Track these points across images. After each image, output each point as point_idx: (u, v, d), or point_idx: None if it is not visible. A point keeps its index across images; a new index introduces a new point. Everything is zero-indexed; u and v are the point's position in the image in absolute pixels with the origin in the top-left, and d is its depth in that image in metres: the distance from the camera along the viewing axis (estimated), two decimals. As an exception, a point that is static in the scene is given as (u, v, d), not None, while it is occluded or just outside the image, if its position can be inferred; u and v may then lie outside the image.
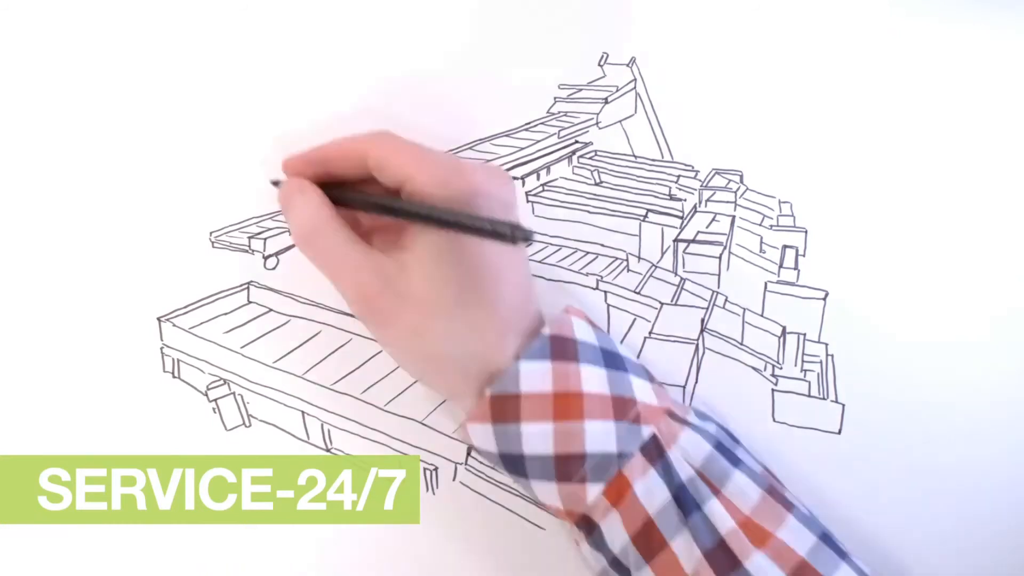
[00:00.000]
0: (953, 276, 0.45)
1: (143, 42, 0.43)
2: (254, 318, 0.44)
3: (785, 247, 0.45)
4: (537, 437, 0.35)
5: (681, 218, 0.45)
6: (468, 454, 0.44)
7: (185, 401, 0.43)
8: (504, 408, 0.36)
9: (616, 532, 0.36)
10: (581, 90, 0.45)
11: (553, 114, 0.45)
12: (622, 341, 0.44)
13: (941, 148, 0.45)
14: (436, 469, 0.44)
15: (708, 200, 0.45)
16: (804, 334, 0.45)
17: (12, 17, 0.43)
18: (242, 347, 0.44)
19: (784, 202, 0.45)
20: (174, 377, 0.43)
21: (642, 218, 0.44)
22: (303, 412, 0.43)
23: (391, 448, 0.44)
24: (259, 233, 0.43)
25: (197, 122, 0.44)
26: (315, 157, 0.38)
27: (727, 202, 0.45)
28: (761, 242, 0.45)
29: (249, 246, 0.43)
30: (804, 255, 0.45)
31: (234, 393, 0.43)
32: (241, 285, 0.44)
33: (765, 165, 0.45)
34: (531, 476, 0.36)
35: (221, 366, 0.43)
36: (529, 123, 0.44)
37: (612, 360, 0.37)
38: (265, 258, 0.43)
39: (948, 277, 0.45)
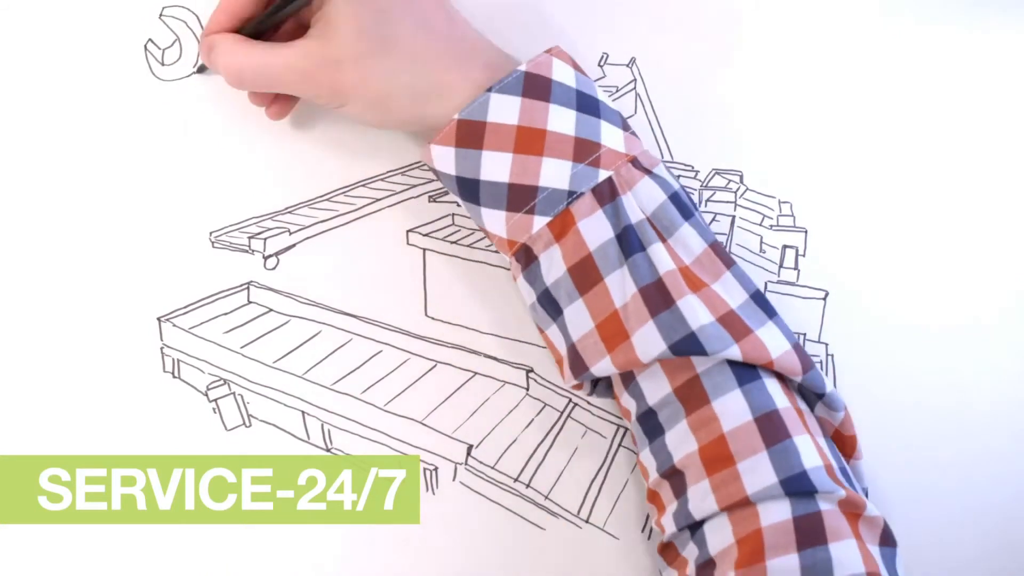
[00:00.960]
0: (953, 276, 0.45)
1: (143, 42, 0.43)
2: (254, 318, 0.44)
3: (785, 247, 0.45)
4: (495, 165, 0.37)
5: (681, 218, 0.45)
6: (468, 454, 0.44)
7: (185, 401, 0.43)
8: (469, 134, 0.37)
9: (554, 265, 0.38)
10: (581, 90, 0.45)
11: (553, 114, 0.45)
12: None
13: (940, 148, 0.45)
14: (436, 469, 0.44)
15: (708, 200, 0.45)
16: (804, 334, 0.45)
17: (12, 17, 0.43)
18: (242, 347, 0.44)
19: (784, 202, 0.45)
20: (174, 377, 0.43)
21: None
22: (303, 412, 0.43)
23: (391, 448, 0.44)
24: (259, 233, 0.43)
25: (197, 122, 0.44)
26: (216, 13, 0.40)
27: (727, 202, 0.45)
28: (761, 242, 0.45)
29: (249, 246, 0.43)
30: (804, 255, 0.45)
31: (234, 393, 0.43)
32: (241, 285, 0.44)
33: (765, 165, 0.45)
34: (483, 202, 0.38)
35: (221, 366, 0.43)
36: (529, 123, 0.44)
37: (586, 104, 0.38)
38: (265, 258, 0.44)
39: (948, 277, 0.45)
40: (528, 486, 0.44)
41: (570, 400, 0.44)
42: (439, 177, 0.40)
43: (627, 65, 0.45)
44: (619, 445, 0.44)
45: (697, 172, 0.45)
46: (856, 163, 0.45)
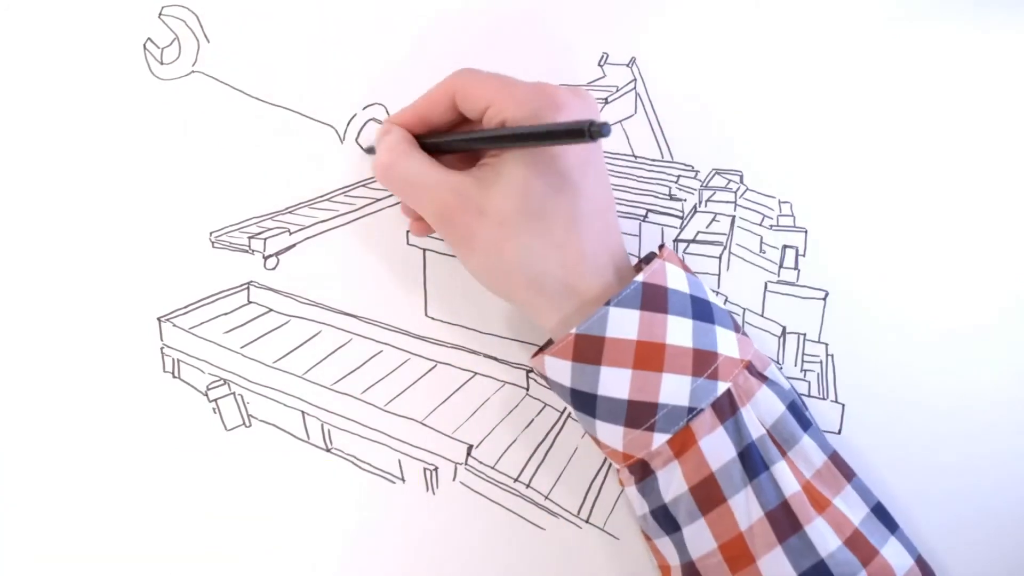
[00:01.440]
0: (953, 276, 0.45)
1: (142, 41, 0.43)
2: (254, 318, 0.44)
3: (785, 247, 0.45)
4: (614, 381, 0.36)
5: (681, 218, 0.45)
6: (468, 454, 0.44)
7: (185, 401, 0.43)
8: (587, 348, 0.36)
9: (673, 482, 0.37)
10: (581, 90, 0.45)
11: (553, 114, 0.45)
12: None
13: (940, 148, 0.45)
14: (436, 469, 0.44)
15: (708, 200, 0.45)
16: (804, 334, 0.45)
17: (12, 17, 0.43)
18: (242, 347, 0.44)
19: (784, 202, 0.45)
20: (174, 377, 0.43)
21: (642, 218, 0.44)
22: (303, 412, 0.43)
23: (391, 448, 0.44)
24: (259, 233, 0.43)
25: (197, 122, 0.44)
26: (409, 111, 0.40)
27: (727, 202, 0.45)
28: (761, 242, 0.45)
29: (249, 246, 0.43)
30: (804, 255, 0.45)
31: (234, 393, 0.43)
32: (241, 285, 0.44)
33: (765, 165, 0.45)
34: (599, 416, 0.37)
35: (221, 366, 0.43)
36: (529, 123, 0.44)
37: (701, 310, 0.38)
38: (265, 258, 0.43)
39: (948, 277, 0.45)
40: (528, 486, 0.44)
41: (570, 400, 0.45)
42: (549, 384, 0.39)
43: (627, 65, 0.45)
44: (619, 445, 0.44)
45: (697, 172, 0.45)
46: (856, 163, 0.45)
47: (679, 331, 0.36)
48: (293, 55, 0.44)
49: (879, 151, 0.45)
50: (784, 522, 0.36)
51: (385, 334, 0.44)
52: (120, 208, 0.43)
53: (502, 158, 0.36)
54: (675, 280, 0.37)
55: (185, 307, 0.43)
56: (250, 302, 0.44)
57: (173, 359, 0.43)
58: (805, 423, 0.38)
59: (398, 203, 0.44)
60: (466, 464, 0.44)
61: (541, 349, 0.39)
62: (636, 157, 0.45)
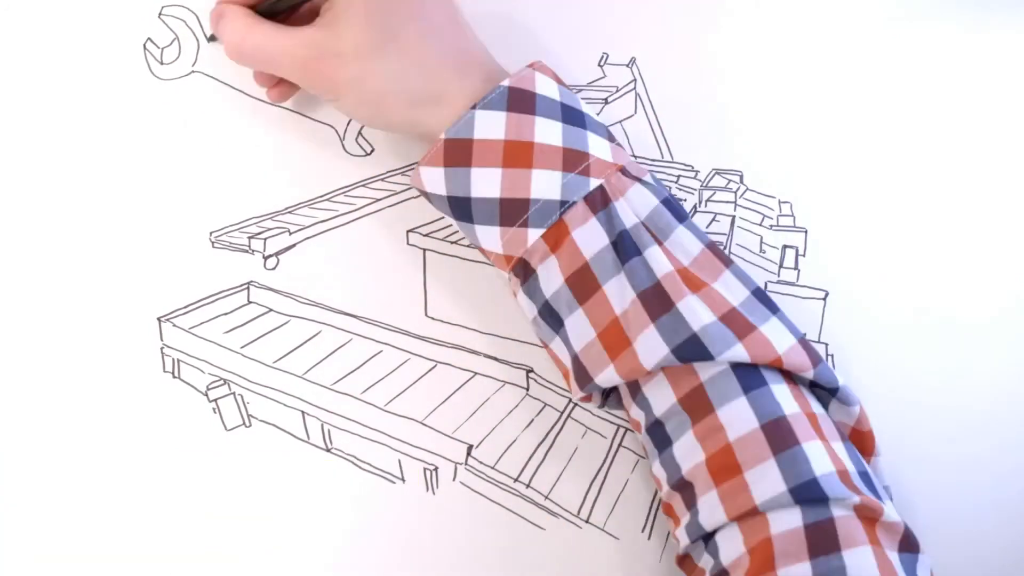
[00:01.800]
0: (952, 275, 0.45)
1: (142, 41, 0.43)
2: (254, 318, 0.44)
3: (785, 247, 0.45)
4: (485, 181, 0.37)
5: (681, 218, 0.45)
6: (468, 454, 0.44)
7: (185, 401, 0.43)
8: (456, 152, 0.37)
9: (552, 276, 0.38)
10: (581, 90, 0.45)
11: (553, 114, 0.45)
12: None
13: (940, 148, 0.45)
14: (436, 469, 0.44)
15: (708, 200, 0.45)
16: (804, 334, 0.45)
17: (12, 17, 0.43)
18: (242, 347, 0.44)
19: (784, 202, 0.45)
20: (174, 377, 0.43)
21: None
22: (303, 412, 0.43)
23: (391, 448, 0.44)
24: (259, 233, 0.43)
25: (197, 121, 0.44)
26: None
27: (727, 202, 0.45)
28: (761, 242, 0.45)
29: (249, 246, 0.43)
30: (804, 255, 0.45)
31: (234, 393, 0.43)
32: (241, 285, 0.44)
33: (765, 165, 0.45)
34: (476, 220, 0.38)
35: (221, 366, 0.43)
36: (529, 123, 0.44)
37: (571, 116, 0.38)
38: (265, 258, 0.43)
39: (948, 277, 0.45)
40: (528, 486, 0.44)
41: (570, 400, 0.45)
42: (430, 200, 0.40)
43: (627, 65, 0.45)
44: (619, 445, 0.44)
45: (697, 172, 0.45)
46: (856, 163, 0.45)
47: (548, 131, 0.37)
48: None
49: (879, 151, 0.45)
50: (656, 301, 0.36)
51: (385, 334, 0.44)
52: (120, 208, 0.43)
53: (338, 0, 0.37)
54: (545, 87, 0.38)
55: (185, 307, 0.43)
56: (250, 302, 0.44)
57: (173, 359, 0.43)
58: (681, 216, 0.38)
59: (398, 203, 0.44)
60: (466, 464, 0.44)
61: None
62: (636, 157, 0.45)
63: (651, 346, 0.36)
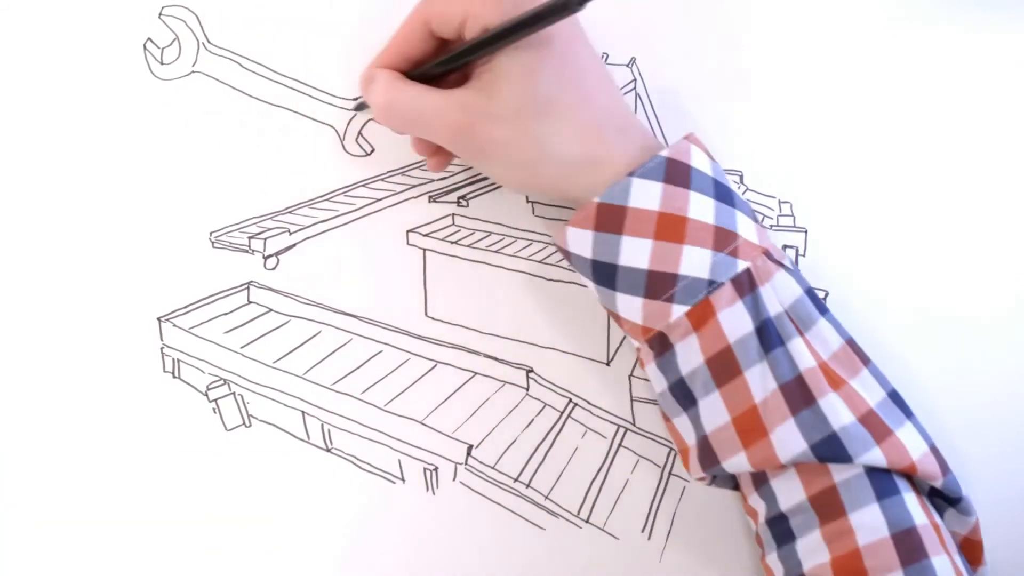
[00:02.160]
0: (952, 275, 0.45)
1: (142, 41, 0.43)
2: (254, 318, 0.44)
3: (785, 247, 0.45)
4: (635, 250, 0.37)
5: (681, 218, 0.45)
6: (468, 454, 0.44)
7: (185, 401, 0.43)
8: (608, 218, 0.37)
9: (691, 355, 0.37)
10: (581, 90, 0.45)
11: (553, 114, 0.45)
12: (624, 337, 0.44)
13: (940, 148, 0.45)
14: (436, 469, 0.44)
15: (708, 200, 0.45)
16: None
17: (12, 17, 0.43)
18: (242, 347, 0.44)
19: (784, 202, 0.45)
20: (174, 377, 0.43)
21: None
22: (303, 412, 0.43)
23: (391, 448, 0.44)
24: (259, 233, 0.43)
25: (197, 122, 0.44)
26: (386, 51, 0.40)
27: (727, 202, 0.45)
28: (761, 242, 0.45)
29: (249, 246, 0.43)
30: (804, 255, 0.45)
31: (234, 393, 0.43)
32: (241, 285, 0.44)
33: (765, 165, 0.45)
34: (619, 288, 0.37)
35: (221, 366, 0.43)
36: (529, 123, 0.44)
37: (723, 193, 0.38)
38: (265, 258, 0.43)
39: (948, 277, 0.45)
40: (528, 486, 0.44)
41: (570, 400, 0.45)
42: (569, 259, 0.39)
43: (627, 65, 0.45)
44: (619, 445, 0.44)
45: (697, 172, 0.45)
46: (856, 163, 0.45)
47: (701, 207, 0.37)
48: (293, 55, 0.44)
49: (879, 151, 0.45)
50: (798, 395, 0.36)
51: (385, 334, 0.44)
52: (120, 208, 0.43)
53: (495, 61, 0.36)
54: (699, 161, 0.38)
55: (185, 307, 0.43)
56: (250, 302, 0.44)
57: (173, 359, 0.43)
58: (822, 308, 0.38)
59: (398, 203, 0.44)
60: (466, 464, 0.44)
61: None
62: (636, 157, 0.45)
63: (789, 440, 0.36)
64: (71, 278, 0.43)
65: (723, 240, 0.37)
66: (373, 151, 0.44)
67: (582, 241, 0.37)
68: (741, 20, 0.45)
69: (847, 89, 0.45)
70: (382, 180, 0.44)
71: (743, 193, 0.45)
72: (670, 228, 0.36)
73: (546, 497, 0.44)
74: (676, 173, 0.37)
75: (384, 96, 0.38)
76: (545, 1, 0.33)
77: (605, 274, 0.37)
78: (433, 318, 0.44)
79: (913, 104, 0.45)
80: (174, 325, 0.43)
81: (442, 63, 0.38)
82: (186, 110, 0.43)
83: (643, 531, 0.44)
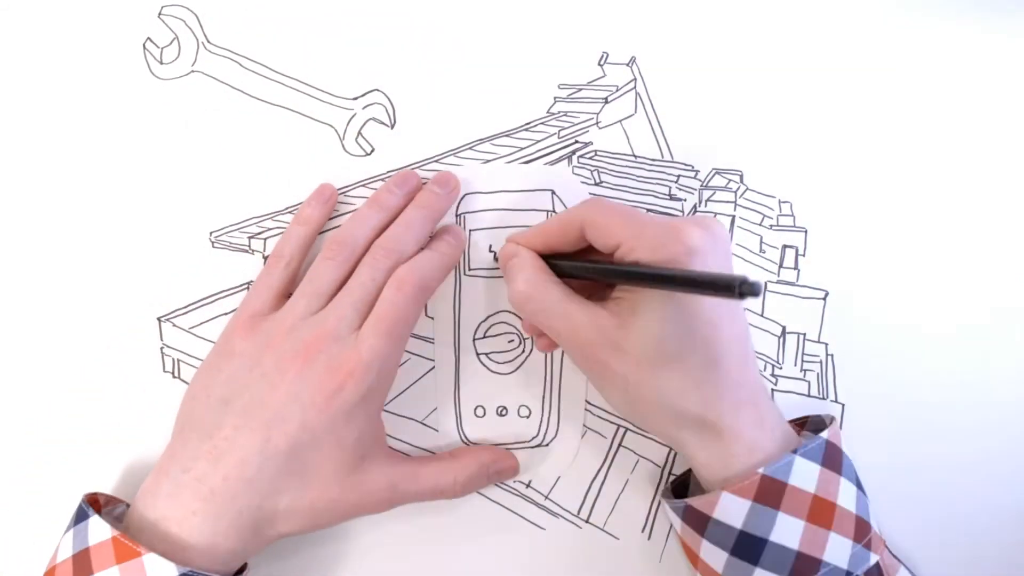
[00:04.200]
0: (953, 276, 0.45)
1: (141, 41, 0.43)
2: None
3: (785, 247, 0.45)
4: (788, 529, 0.36)
5: (681, 218, 0.45)
6: (468, 454, 0.44)
7: (185, 401, 0.43)
8: (769, 491, 0.36)
9: None
10: (581, 90, 0.45)
11: (553, 114, 0.45)
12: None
13: (940, 148, 0.45)
14: (436, 469, 0.44)
15: (708, 200, 0.45)
16: (804, 334, 0.45)
17: (12, 17, 0.43)
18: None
19: (784, 202, 0.45)
20: (174, 377, 0.43)
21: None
22: (303, 412, 0.43)
23: (391, 448, 0.44)
24: (259, 233, 0.43)
25: (197, 121, 0.44)
26: (534, 233, 0.40)
27: (727, 202, 0.45)
28: (761, 242, 0.45)
29: (249, 246, 0.43)
30: (804, 255, 0.45)
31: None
32: (241, 285, 0.44)
33: (765, 165, 0.45)
34: (761, 563, 0.37)
35: (221, 366, 0.43)
36: (529, 123, 0.44)
37: (858, 480, 0.39)
38: (265, 258, 0.43)
39: (948, 277, 0.45)
40: (528, 486, 0.44)
41: (570, 400, 0.45)
42: (695, 524, 0.38)
43: (627, 65, 0.45)
44: (619, 445, 0.44)
45: (697, 172, 0.45)
46: (856, 163, 0.45)
47: (847, 495, 0.37)
48: (293, 55, 0.44)
49: (879, 151, 0.45)
50: None
51: (385, 334, 0.44)
52: (120, 208, 0.43)
53: (638, 296, 0.36)
54: (845, 447, 0.39)
55: (185, 307, 0.43)
56: (250, 302, 0.44)
57: (173, 359, 0.43)
58: None
59: (398, 203, 0.44)
60: (466, 464, 0.44)
61: (677, 494, 0.40)
62: (636, 157, 0.45)
63: None
64: (71, 278, 0.43)
65: (861, 530, 0.37)
66: (373, 151, 0.44)
67: (736, 510, 0.36)
68: (741, 20, 0.45)
69: (847, 89, 0.45)
70: (382, 180, 0.44)
71: (743, 193, 0.45)
72: (821, 512, 0.36)
73: (546, 497, 0.44)
74: (832, 457, 0.37)
75: (526, 287, 0.38)
76: (710, 273, 0.32)
77: (749, 547, 0.37)
78: (433, 318, 0.44)
79: (913, 104, 0.45)
80: (174, 325, 0.43)
81: (590, 269, 0.38)
82: (186, 110, 0.43)
83: (643, 531, 0.44)
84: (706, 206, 0.45)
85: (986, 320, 0.45)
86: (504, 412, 0.44)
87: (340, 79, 0.44)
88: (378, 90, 0.44)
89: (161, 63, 0.43)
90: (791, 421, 0.42)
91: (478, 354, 0.44)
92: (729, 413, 0.37)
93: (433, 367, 0.44)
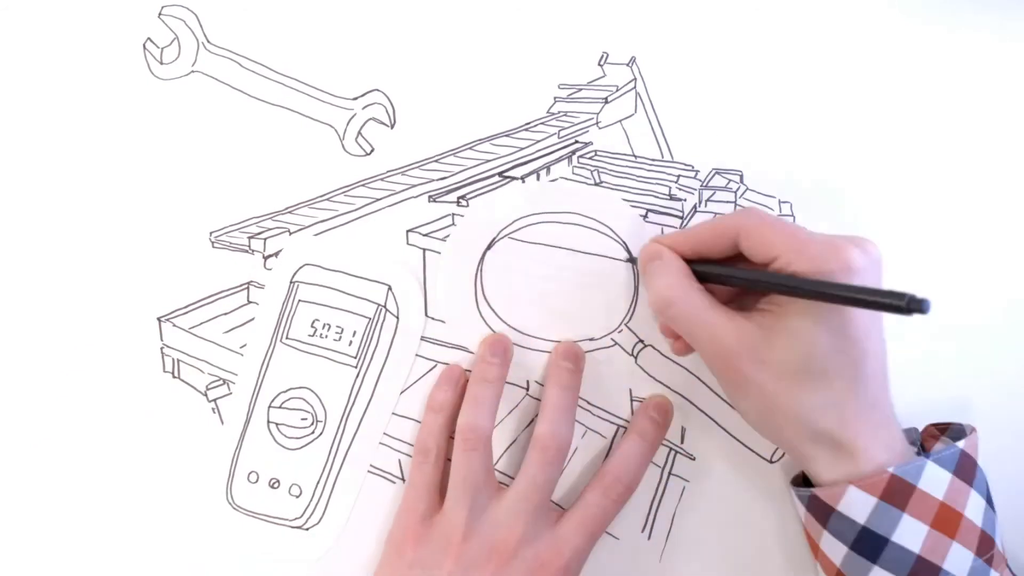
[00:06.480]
0: (953, 275, 0.45)
1: (141, 41, 0.43)
2: (254, 318, 0.44)
3: (785, 247, 0.45)
4: (911, 532, 0.36)
5: (681, 218, 0.45)
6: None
7: (185, 401, 0.43)
8: (897, 491, 0.36)
9: None
10: (581, 90, 0.45)
11: (553, 114, 0.45)
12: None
13: (941, 148, 0.45)
14: (436, 469, 0.44)
15: (708, 200, 0.45)
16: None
17: (12, 17, 0.43)
18: (242, 347, 0.44)
19: (784, 202, 0.45)
20: (174, 377, 0.43)
21: (642, 218, 0.44)
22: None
23: (391, 448, 0.44)
24: (259, 233, 0.43)
25: (197, 121, 0.44)
26: (684, 237, 0.40)
27: (727, 202, 0.45)
28: (761, 242, 0.45)
29: (249, 246, 0.43)
30: (804, 255, 0.45)
31: (234, 393, 0.43)
32: (241, 285, 0.44)
33: (765, 165, 0.45)
34: (879, 562, 0.37)
35: (221, 366, 0.43)
36: (529, 123, 0.44)
37: (989, 495, 0.39)
38: (265, 258, 0.43)
39: (948, 277, 0.45)
40: (528, 486, 0.44)
41: (570, 400, 0.44)
42: (817, 514, 0.38)
43: (627, 65, 0.45)
44: (619, 445, 0.44)
45: (697, 172, 0.45)
46: (856, 163, 0.45)
47: (975, 507, 0.37)
48: (293, 55, 0.44)
49: (879, 151, 0.45)
50: None
51: (385, 334, 0.44)
52: (120, 208, 0.43)
53: (786, 308, 0.36)
54: (980, 458, 0.39)
55: (185, 307, 0.43)
56: (250, 302, 0.44)
57: (173, 359, 0.43)
58: None
59: (398, 203, 0.44)
60: (466, 464, 0.44)
61: (804, 483, 0.39)
62: (636, 157, 0.45)
63: None
64: (71, 278, 0.43)
65: (984, 546, 0.37)
66: (373, 151, 0.44)
67: (861, 504, 0.36)
68: (741, 19, 0.45)
69: (847, 89, 0.45)
70: (382, 180, 0.44)
71: (743, 193, 0.45)
72: (946, 520, 0.36)
73: (546, 497, 0.44)
74: (965, 467, 0.37)
75: (668, 292, 0.38)
76: (878, 288, 0.33)
77: (870, 544, 0.37)
78: (433, 318, 0.44)
79: (914, 104, 0.45)
80: (174, 325, 0.43)
81: (738, 279, 0.38)
82: (186, 110, 0.43)
83: (643, 531, 0.44)
84: (706, 206, 0.45)
85: (987, 319, 0.45)
86: (276, 485, 0.43)
87: (340, 79, 0.44)
88: (378, 90, 0.44)
89: (161, 63, 0.43)
90: (933, 425, 0.42)
91: (269, 421, 0.43)
92: (865, 434, 0.37)
93: (433, 366, 0.44)
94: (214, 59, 0.44)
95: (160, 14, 0.43)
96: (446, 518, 0.40)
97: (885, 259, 0.45)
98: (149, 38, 0.43)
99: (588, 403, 0.44)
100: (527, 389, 0.44)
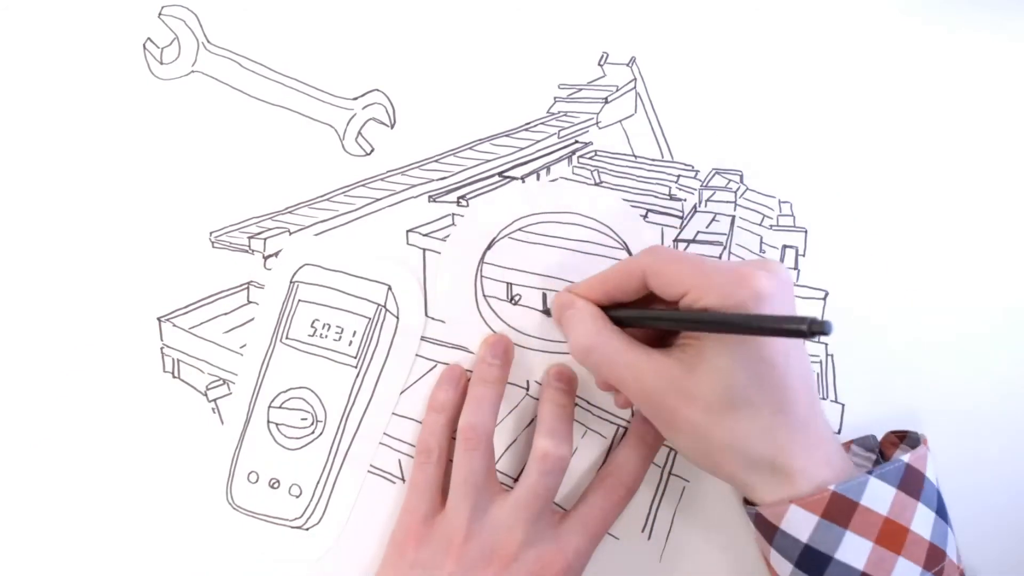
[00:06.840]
0: (953, 276, 0.45)
1: (141, 41, 0.43)
2: (254, 318, 0.44)
3: (785, 247, 0.45)
4: (854, 549, 0.36)
5: (681, 218, 0.45)
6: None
7: (185, 401, 0.43)
8: (838, 509, 0.36)
9: None
10: (581, 90, 0.45)
11: (553, 114, 0.45)
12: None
13: (941, 149, 0.45)
14: (436, 469, 0.44)
15: (708, 200, 0.45)
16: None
17: (12, 17, 0.43)
18: (242, 347, 0.44)
19: (784, 202, 0.45)
20: (174, 377, 0.43)
21: (642, 218, 0.44)
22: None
23: (391, 448, 0.44)
24: (259, 233, 0.43)
25: (197, 121, 0.44)
26: (591, 283, 0.40)
27: (727, 202, 0.45)
28: (761, 242, 0.45)
29: (249, 246, 0.43)
30: (804, 255, 0.45)
31: (234, 393, 0.43)
32: (241, 285, 0.44)
33: (765, 165, 0.45)
34: None
35: (221, 366, 0.43)
36: (529, 123, 0.44)
37: (941, 506, 0.38)
38: (265, 258, 0.43)
39: (948, 277, 0.45)
40: (528, 486, 0.44)
41: (570, 400, 0.44)
42: (766, 533, 0.38)
43: (627, 65, 0.45)
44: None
45: (697, 172, 0.45)
46: (856, 163, 0.45)
47: (923, 521, 0.37)
48: (293, 55, 0.44)
49: (879, 151, 0.45)
50: None
51: (385, 334, 0.44)
52: (120, 208, 0.43)
53: (703, 342, 0.36)
54: (932, 471, 0.38)
55: (185, 307, 0.43)
56: (250, 302, 0.44)
57: (173, 359, 0.43)
58: None
59: (398, 203, 0.44)
60: (466, 464, 0.44)
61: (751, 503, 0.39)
62: (636, 157, 0.45)
63: None
64: (71, 278, 0.43)
65: (933, 559, 0.37)
66: (373, 151, 0.44)
67: (802, 523, 0.36)
68: (741, 20, 0.45)
69: (847, 89, 0.45)
70: (382, 180, 0.44)
71: (743, 193, 0.45)
72: (891, 536, 0.36)
73: (546, 497, 0.44)
74: (911, 481, 0.37)
75: (586, 340, 0.38)
76: (779, 315, 0.33)
77: (813, 562, 0.37)
78: (433, 318, 0.44)
79: (913, 104, 0.45)
80: (174, 325, 0.43)
81: (653, 321, 0.38)
82: (186, 110, 0.43)
83: (643, 531, 0.44)
84: (706, 206, 0.45)
85: (987, 319, 0.45)
86: (276, 485, 0.43)
87: (340, 79, 0.44)
88: (378, 90, 0.44)
89: (161, 63, 0.43)
90: (892, 433, 0.42)
91: (268, 421, 0.43)
92: (800, 456, 0.37)
93: (433, 366, 0.44)
94: (214, 59, 0.44)
95: (160, 14, 0.43)
96: (447, 519, 0.40)
97: (886, 258, 0.45)
98: (149, 38, 0.43)
99: (588, 403, 0.44)
100: (527, 389, 0.44)
